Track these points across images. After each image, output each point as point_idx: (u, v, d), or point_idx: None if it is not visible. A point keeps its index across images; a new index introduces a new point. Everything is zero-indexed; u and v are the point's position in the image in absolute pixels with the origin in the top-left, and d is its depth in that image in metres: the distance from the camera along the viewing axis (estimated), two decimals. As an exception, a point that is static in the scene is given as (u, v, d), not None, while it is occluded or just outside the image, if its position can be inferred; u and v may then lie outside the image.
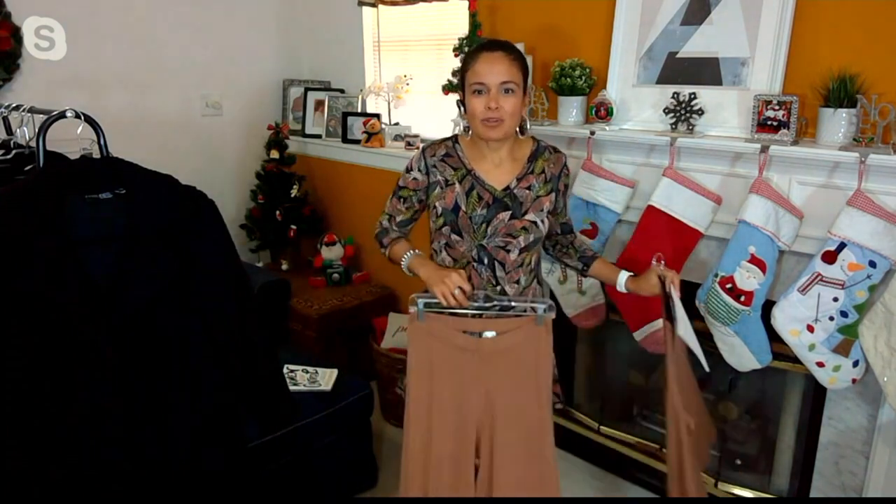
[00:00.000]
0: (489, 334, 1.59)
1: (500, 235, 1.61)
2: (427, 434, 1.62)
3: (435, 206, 1.65)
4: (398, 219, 1.73)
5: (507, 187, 1.62)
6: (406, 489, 1.65)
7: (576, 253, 1.77)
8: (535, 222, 1.62)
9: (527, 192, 1.62)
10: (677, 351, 1.58)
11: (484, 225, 1.61)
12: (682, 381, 1.58)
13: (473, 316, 1.61)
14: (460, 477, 1.62)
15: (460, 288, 1.54)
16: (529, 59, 2.37)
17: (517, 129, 1.62)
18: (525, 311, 1.60)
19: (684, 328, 1.56)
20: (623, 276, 1.70)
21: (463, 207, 1.61)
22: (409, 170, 1.69)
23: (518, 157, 1.65)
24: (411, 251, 1.66)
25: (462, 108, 1.62)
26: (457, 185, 1.62)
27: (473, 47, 1.60)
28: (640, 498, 1.65)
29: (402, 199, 1.71)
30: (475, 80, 1.54)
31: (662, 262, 1.65)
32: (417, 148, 2.98)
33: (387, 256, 1.75)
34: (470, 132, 1.63)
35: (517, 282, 1.65)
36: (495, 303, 1.61)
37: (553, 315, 1.59)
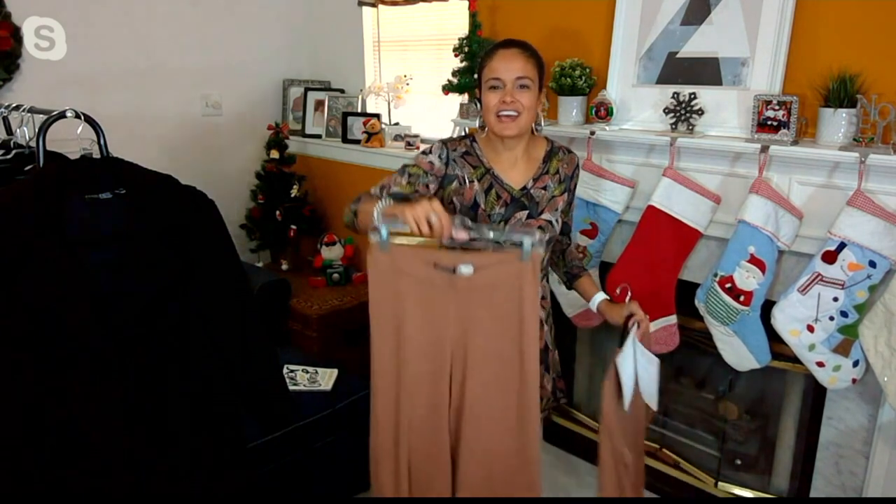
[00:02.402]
0: (465, 270, 1.38)
1: None
2: (396, 384, 1.43)
3: (452, 202, 1.63)
4: (393, 190, 1.57)
5: (524, 187, 1.63)
6: (376, 450, 1.47)
7: (564, 266, 1.77)
8: (550, 221, 1.63)
9: (542, 191, 1.63)
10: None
11: (502, 224, 1.61)
12: (623, 414, 1.53)
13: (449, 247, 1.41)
14: (436, 431, 1.45)
15: (438, 219, 1.30)
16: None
17: (532, 127, 1.62)
18: (510, 243, 1.40)
19: (625, 363, 1.50)
20: (598, 298, 1.68)
21: (482, 205, 1.61)
22: (425, 153, 1.64)
23: (533, 157, 1.66)
24: (384, 200, 1.42)
25: (478, 106, 1.63)
26: (476, 182, 1.62)
27: (490, 46, 1.62)
28: (640, 498, 1.64)
29: (406, 175, 1.60)
30: (491, 76, 1.55)
31: (629, 294, 1.64)
32: (417, 148, 2.99)
33: (352, 218, 1.53)
34: (486, 130, 1.63)
35: None
36: (475, 237, 1.38)
37: (542, 251, 1.39)
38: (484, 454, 1.44)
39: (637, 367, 1.52)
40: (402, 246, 1.37)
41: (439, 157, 1.63)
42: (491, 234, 1.40)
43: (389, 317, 1.40)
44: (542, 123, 1.67)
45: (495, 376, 1.41)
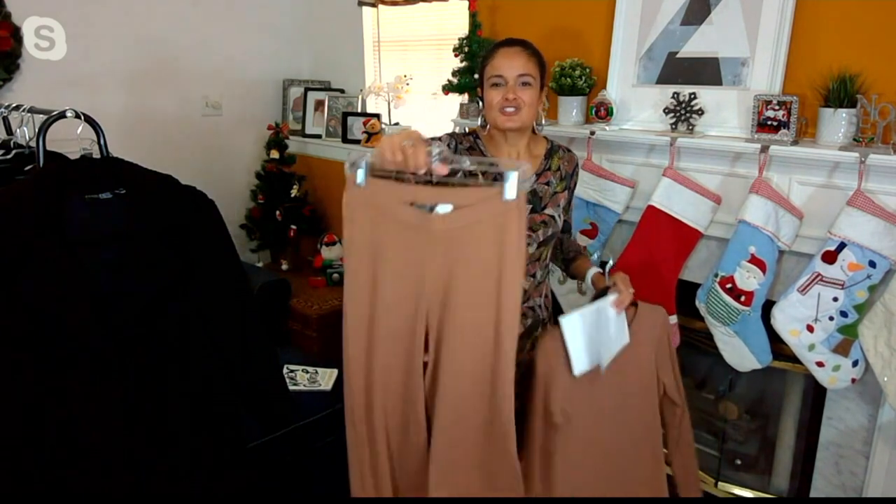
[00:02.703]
0: (443, 209, 1.23)
1: None
2: (369, 332, 1.32)
3: None
4: None
5: None
6: (350, 393, 1.38)
7: (562, 253, 1.78)
8: (553, 216, 1.64)
9: (545, 187, 1.65)
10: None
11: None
12: (568, 376, 1.39)
13: (427, 183, 1.27)
14: (410, 377, 1.33)
15: (412, 146, 1.19)
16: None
17: (533, 125, 1.64)
18: (494, 177, 1.24)
19: (571, 324, 1.38)
20: (592, 271, 1.65)
21: None
22: (435, 138, 1.65)
23: (535, 155, 1.67)
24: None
25: (480, 104, 1.65)
26: (480, 176, 1.62)
27: (492, 45, 1.65)
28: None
29: None
30: (493, 74, 1.57)
31: (610, 263, 1.59)
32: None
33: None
34: (488, 128, 1.65)
35: (533, 275, 1.65)
36: (457, 168, 1.24)
37: (528, 187, 1.24)
38: (457, 406, 1.31)
39: (602, 335, 1.43)
40: (378, 180, 1.25)
41: (448, 145, 1.64)
42: (472, 166, 1.24)
43: (364, 259, 1.27)
44: (543, 122, 1.68)
45: (470, 330, 1.26)
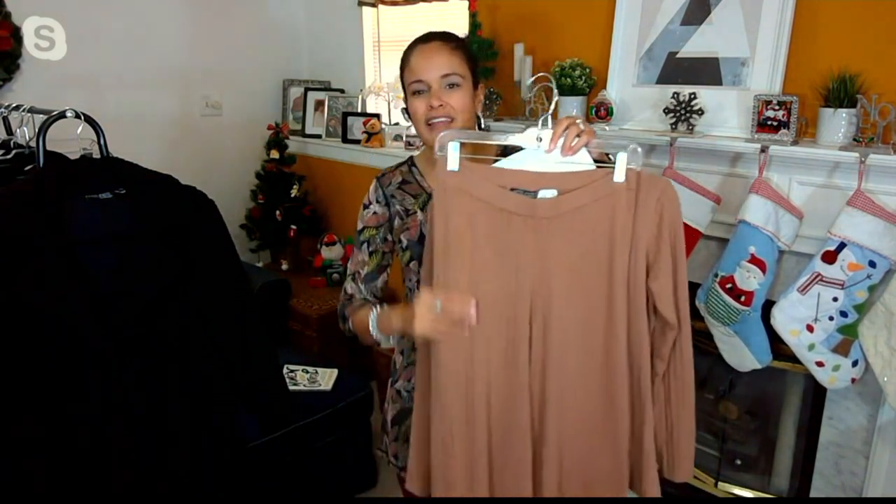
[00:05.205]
0: (548, 193, 1.15)
1: None
2: (467, 336, 1.17)
3: (400, 240, 1.40)
4: (364, 272, 1.42)
5: None
6: (444, 414, 1.21)
7: None
8: None
9: None
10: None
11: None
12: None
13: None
14: (514, 390, 1.20)
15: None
16: (528, 60, 2.38)
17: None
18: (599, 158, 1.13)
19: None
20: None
21: None
22: (366, 206, 1.44)
23: None
24: (376, 309, 1.31)
25: (407, 116, 1.40)
26: (419, 213, 1.39)
27: (409, 43, 1.38)
28: (640, 498, 1.64)
29: (364, 244, 1.43)
30: (413, 79, 1.31)
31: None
32: (417, 148, 2.99)
33: (352, 331, 1.41)
34: (422, 146, 1.44)
35: None
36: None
37: (638, 166, 1.12)
38: (570, 422, 1.21)
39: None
40: (474, 162, 1.16)
41: (377, 202, 1.43)
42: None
43: (460, 252, 1.16)
44: (483, 124, 1.43)
45: (580, 324, 1.17)
